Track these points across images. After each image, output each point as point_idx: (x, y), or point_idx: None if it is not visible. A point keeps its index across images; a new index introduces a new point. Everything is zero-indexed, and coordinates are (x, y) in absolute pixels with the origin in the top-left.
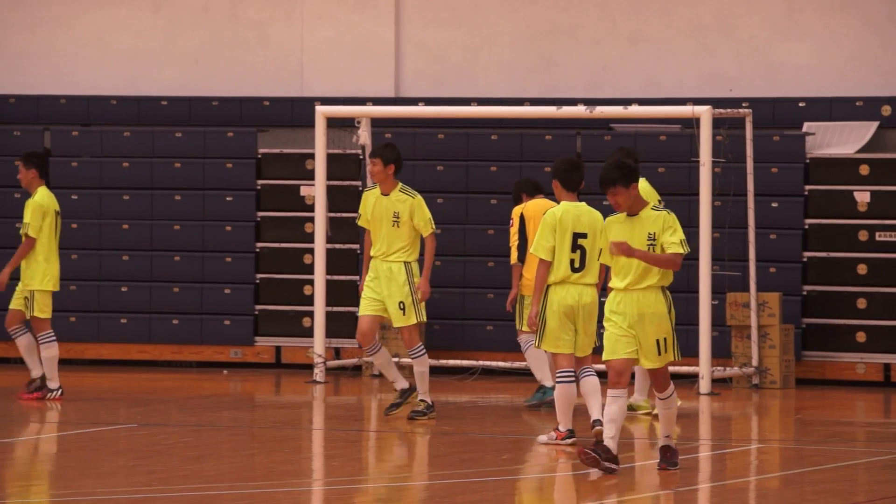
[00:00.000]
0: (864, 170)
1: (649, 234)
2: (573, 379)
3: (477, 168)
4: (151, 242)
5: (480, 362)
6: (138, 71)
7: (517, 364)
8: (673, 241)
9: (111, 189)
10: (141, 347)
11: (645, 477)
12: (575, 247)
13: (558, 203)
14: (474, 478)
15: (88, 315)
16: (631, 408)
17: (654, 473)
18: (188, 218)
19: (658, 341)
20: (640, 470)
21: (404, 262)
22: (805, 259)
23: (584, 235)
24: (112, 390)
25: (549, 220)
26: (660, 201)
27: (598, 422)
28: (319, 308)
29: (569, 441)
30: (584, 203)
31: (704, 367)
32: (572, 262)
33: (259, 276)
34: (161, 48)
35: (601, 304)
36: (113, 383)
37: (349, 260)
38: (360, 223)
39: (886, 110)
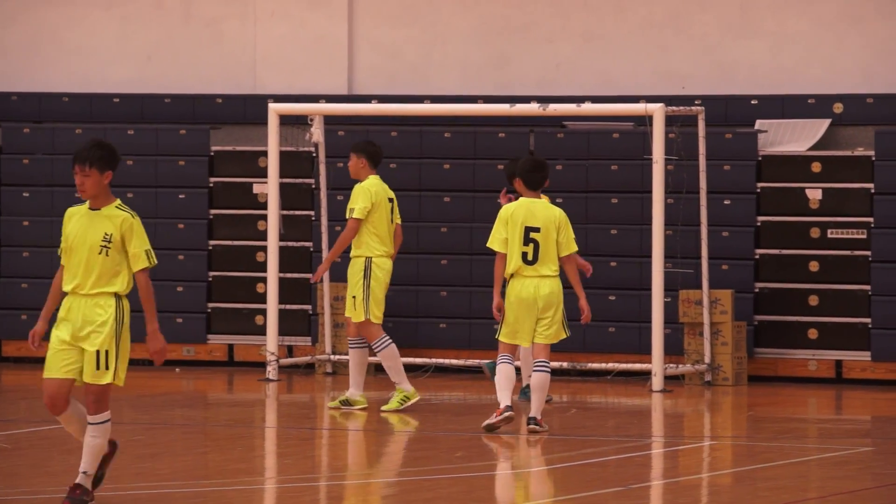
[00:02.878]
0: (816, 167)
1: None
2: (512, 362)
3: (430, 166)
4: None
5: (433, 360)
6: (91, 68)
7: (470, 361)
8: None
9: (63, 186)
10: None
11: (597, 473)
12: (528, 240)
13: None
14: (427, 475)
15: (40, 313)
16: (347, 403)
17: (605, 469)
18: (141, 215)
19: None
20: (594, 466)
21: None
22: (757, 256)
23: (536, 229)
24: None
25: (502, 215)
26: None
27: (533, 420)
28: (272, 306)
29: (507, 414)
30: (543, 200)
31: (657, 365)
32: (525, 254)
33: (212, 273)
34: (114, 45)
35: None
36: None
37: (302, 258)
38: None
39: (838, 108)
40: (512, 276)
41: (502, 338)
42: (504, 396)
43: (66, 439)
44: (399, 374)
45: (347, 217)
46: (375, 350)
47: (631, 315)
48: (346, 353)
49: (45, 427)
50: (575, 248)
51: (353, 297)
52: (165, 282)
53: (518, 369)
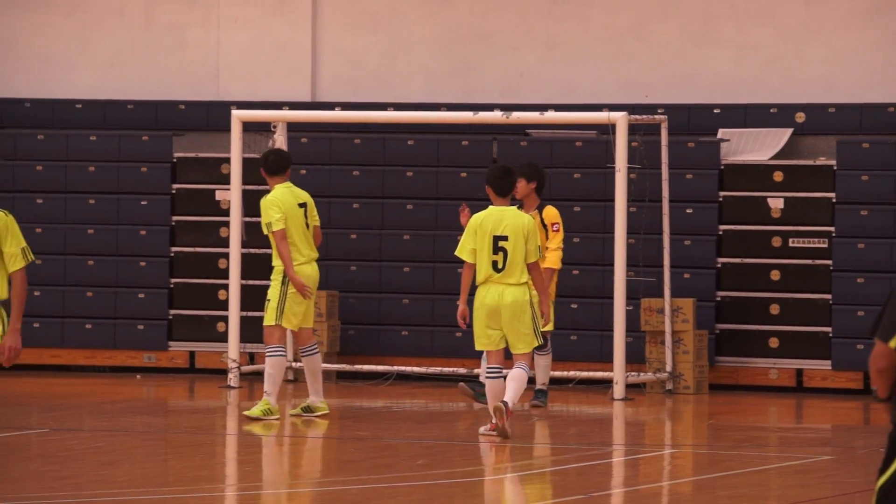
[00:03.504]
0: (778, 176)
1: None
2: (500, 375)
3: (393, 173)
4: (65, 246)
5: (395, 367)
6: (53, 74)
7: (432, 369)
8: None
9: (24, 192)
10: (53, 352)
11: (558, 481)
12: (496, 249)
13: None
14: (388, 483)
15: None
16: (308, 409)
17: (566, 477)
18: (102, 222)
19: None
20: (556, 474)
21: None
22: (719, 265)
23: (505, 238)
24: (24, 395)
25: (472, 223)
26: None
27: (505, 404)
28: (234, 313)
29: (502, 411)
30: (513, 207)
31: (618, 373)
32: (495, 263)
33: (173, 280)
34: (76, 51)
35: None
36: (25, 388)
37: (264, 265)
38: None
39: (800, 117)
40: (480, 284)
41: (481, 346)
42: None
43: (26, 446)
44: (275, 387)
45: (266, 233)
46: (267, 353)
47: (593, 323)
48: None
49: (3, 434)
50: (538, 256)
51: (268, 300)
52: (127, 288)
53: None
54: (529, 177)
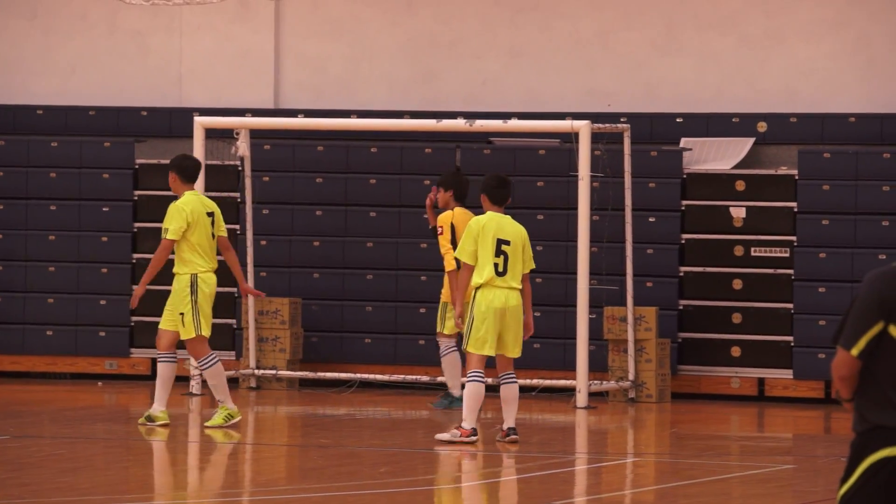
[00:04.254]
0: (740, 185)
1: None
2: (483, 379)
3: (356, 180)
4: (26, 252)
5: (358, 375)
6: (13, 79)
7: (395, 377)
8: None
9: None
10: (13, 359)
11: (521, 489)
12: (498, 252)
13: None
14: (351, 490)
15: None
16: (150, 419)
17: (529, 485)
18: (63, 228)
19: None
20: (519, 482)
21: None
22: (681, 274)
23: (507, 242)
24: None
25: (473, 227)
26: None
27: (513, 430)
28: None
29: (473, 439)
30: (508, 216)
31: (581, 381)
32: (496, 265)
33: (135, 287)
34: (37, 56)
35: None
36: None
37: (227, 271)
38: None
39: (762, 127)
40: (481, 286)
41: (472, 348)
42: (472, 417)
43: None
44: (224, 392)
45: (162, 236)
46: (202, 368)
47: (556, 331)
48: (272, 368)
49: None
50: (533, 265)
51: (182, 314)
52: (89, 295)
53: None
54: (447, 186)
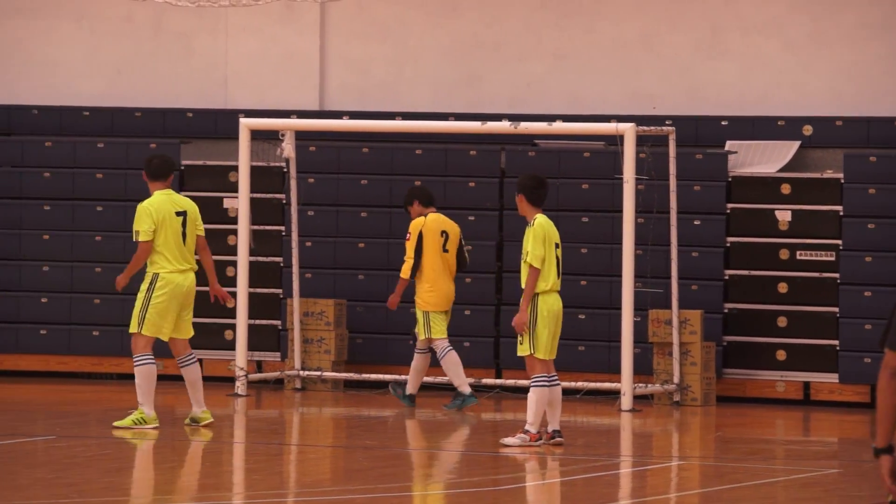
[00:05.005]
0: (786, 189)
1: None
2: (552, 382)
3: (401, 182)
4: (72, 253)
5: (403, 376)
6: (60, 81)
7: (439, 378)
8: None
9: (31, 199)
10: (60, 359)
11: (565, 492)
12: (555, 256)
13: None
14: (396, 492)
15: (7, 326)
16: (194, 421)
17: (574, 488)
18: (110, 229)
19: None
20: (563, 485)
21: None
22: (726, 277)
23: (557, 245)
24: (30, 402)
25: (539, 232)
26: None
27: (558, 432)
28: (242, 321)
29: (540, 443)
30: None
31: (626, 384)
32: (557, 270)
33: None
34: (84, 58)
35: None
36: (31, 395)
37: (272, 273)
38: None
39: (808, 130)
40: (545, 292)
41: (541, 354)
42: (538, 423)
43: (32, 453)
44: (148, 396)
45: (133, 239)
46: (134, 365)
47: (600, 334)
48: (317, 369)
49: (10, 441)
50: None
51: (133, 307)
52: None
53: None
54: (409, 200)
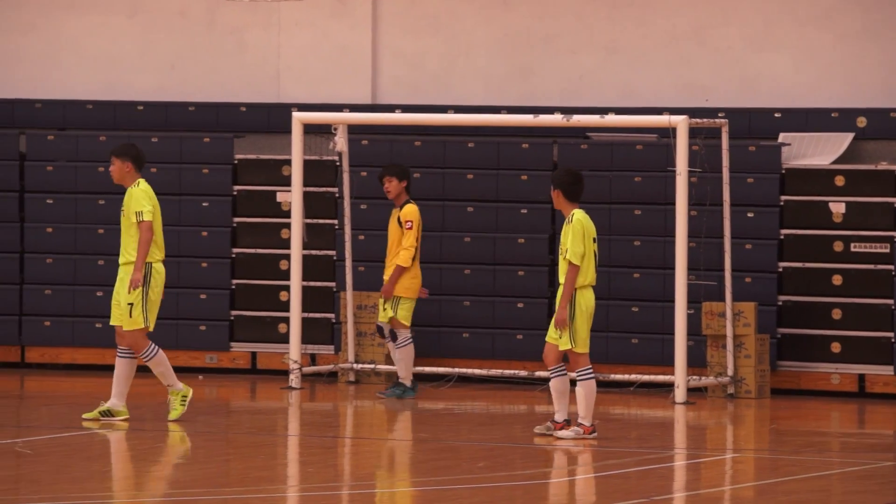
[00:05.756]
0: (840, 181)
1: None
2: (593, 375)
3: (453, 175)
4: None
5: (457, 369)
6: (114, 76)
7: (493, 372)
8: None
9: (87, 193)
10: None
11: (619, 485)
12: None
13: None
14: (449, 485)
15: (63, 319)
16: (108, 413)
17: (628, 480)
18: (164, 223)
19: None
20: (617, 478)
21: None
22: (780, 269)
23: (595, 240)
24: (86, 395)
25: (578, 228)
26: None
27: (568, 422)
28: (295, 314)
29: (594, 436)
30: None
31: (680, 377)
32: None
33: (235, 281)
34: (137, 53)
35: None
36: (87, 388)
37: (325, 266)
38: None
39: (861, 122)
40: (583, 287)
41: (581, 348)
42: (590, 415)
43: (88, 446)
44: (170, 376)
45: (136, 221)
46: (145, 360)
47: (654, 327)
48: (370, 362)
49: (66, 433)
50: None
51: (130, 304)
52: (189, 289)
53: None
54: (401, 176)
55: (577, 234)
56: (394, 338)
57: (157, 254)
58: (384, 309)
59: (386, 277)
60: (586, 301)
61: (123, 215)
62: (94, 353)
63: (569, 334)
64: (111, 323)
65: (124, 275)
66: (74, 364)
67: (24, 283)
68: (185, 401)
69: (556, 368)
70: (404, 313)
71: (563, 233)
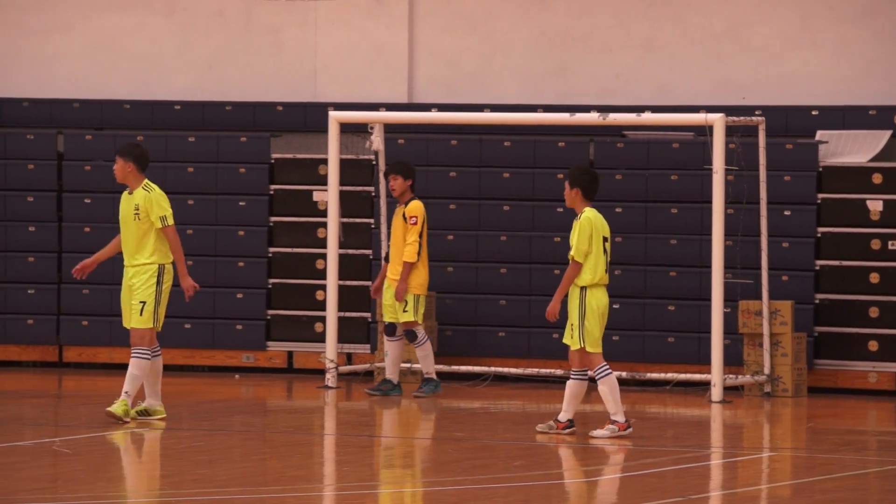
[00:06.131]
0: (877, 178)
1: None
2: (611, 371)
3: (490, 174)
4: None
5: (492, 368)
6: (152, 75)
7: (529, 371)
8: None
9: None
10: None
11: (655, 484)
12: (603, 249)
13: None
14: (485, 484)
15: (101, 319)
16: (146, 412)
17: (664, 479)
18: (201, 222)
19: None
20: (653, 476)
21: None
22: (817, 267)
23: (607, 239)
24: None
25: (586, 226)
26: None
27: (572, 422)
28: (332, 313)
29: (629, 431)
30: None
31: (716, 375)
32: (606, 264)
33: (271, 280)
34: (175, 53)
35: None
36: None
37: (362, 265)
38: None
39: None
40: (592, 285)
41: (593, 348)
42: (620, 409)
43: (126, 445)
44: (155, 390)
45: (161, 226)
46: (143, 356)
47: (690, 325)
48: (406, 361)
49: (104, 432)
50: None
51: (143, 302)
52: (226, 289)
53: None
54: (406, 174)
55: (584, 232)
56: (413, 338)
57: (168, 255)
58: (404, 311)
59: (392, 276)
60: (597, 300)
61: (138, 218)
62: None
63: (579, 333)
64: (125, 325)
65: (137, 276)
66: (112, 363)
67: (62, 282)
68: (141, 415)
69: (578, 371)
70: (421, 310)
71: (572, 230)
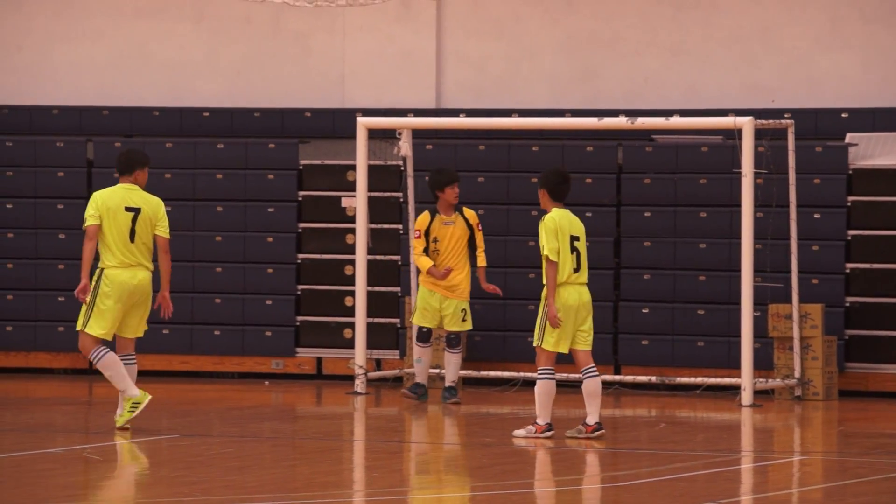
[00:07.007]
0: None
1: None
2: (554, 376)
3: (518, 179)
4: (193, 253)
5: (521, 374)
6: (181, 82)
7: (559, 375)
8: None
9: None
10: (182, 358)
11: (686, 488)
12: (571, 249)
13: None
14: (515, 489)
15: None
16: (137, 404)
17: (695, 483)
18: (230, 229)
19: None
20: (683, 481)
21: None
22: (848, 270)
23: (577, 238)
24: (153, 401)
25: (550, 225)
26: None
27: (599, 425)
28: (361, 319)
29: (548, 434)
30: (568, 210)
31: (746, 379)
32: (571, 263)
33: (300, 287)
34: (203, 59)
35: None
36: (154, 394)
37: (390, 271)
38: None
39: None
40: (560, 285)
41: (547, 346)
42: (546, 413)
43: (156, 452)
44: (122, 380)
45: (167, 236)
46: (94, 363)
47: (720, 329)
48: (435, 367)
49: (134, 439)
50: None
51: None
52: (255, 295)
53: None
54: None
55: (549, 232)
56: (458, 343)
57: (109, 260)
58: (462, 320)
59: (456, 282)
60: (562, 300)
61: (159, 227)
62: (161, 360)
63: (538, 329)
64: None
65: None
66: (142, 370)
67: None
68: (135, 407)
69: (586, 369)
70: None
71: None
